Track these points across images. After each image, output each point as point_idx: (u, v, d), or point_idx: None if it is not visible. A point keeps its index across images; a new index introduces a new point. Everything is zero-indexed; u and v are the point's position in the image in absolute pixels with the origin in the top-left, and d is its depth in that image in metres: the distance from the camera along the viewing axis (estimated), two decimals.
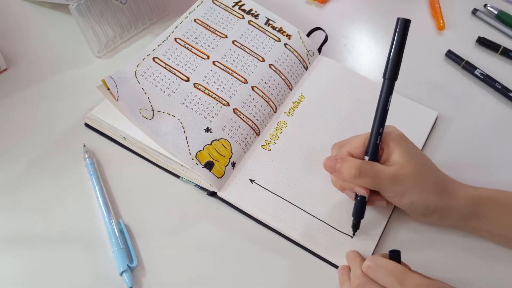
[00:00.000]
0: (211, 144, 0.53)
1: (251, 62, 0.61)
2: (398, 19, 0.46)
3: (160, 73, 0.57)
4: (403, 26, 0.45)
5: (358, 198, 0.48)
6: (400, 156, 0.47)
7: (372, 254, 0.50)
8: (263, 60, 0.61)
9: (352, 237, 0.50)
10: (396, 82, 0.64)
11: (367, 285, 0.43)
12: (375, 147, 0.47)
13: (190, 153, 0.52)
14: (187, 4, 0.65)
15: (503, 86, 0.65)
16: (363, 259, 0.47)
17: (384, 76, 0.47)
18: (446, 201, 0.48)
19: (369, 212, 0.52)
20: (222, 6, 0.65)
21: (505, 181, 0.57)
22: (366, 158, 0.48)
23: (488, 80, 0.66)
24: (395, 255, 0.45)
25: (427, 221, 0.51)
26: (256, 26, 0.65)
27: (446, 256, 0.51)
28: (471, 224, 0.49)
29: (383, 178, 0.46)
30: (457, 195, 0.48)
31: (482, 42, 0.71)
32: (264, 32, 0.64)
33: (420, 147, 0.58)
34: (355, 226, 0.49)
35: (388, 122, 0.60)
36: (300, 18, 0.70)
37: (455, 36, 0.73)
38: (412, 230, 0.52)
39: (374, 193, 0.48)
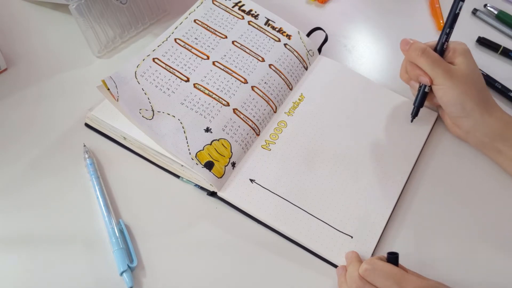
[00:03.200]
0: (211, 144, 0.53)
1: (251, 62, 0.61)
2: None
3: (160, 74, 0.57)
4: None
5: (421, 87, 0.57)
6: (461, 61, 0.55)
7: (372, 254, 0.50)
8: (263, 60, 0.61)
9: (352, 237, 0.50)
10: (396, 82, 0.64)
11: None
12: (442, 44, 0.56)
13: (190, 153, 0.52)
14: (187, 4, 0.65)
15: (503, 86, 0.65)
16: (361, 261, 0.47)
17: None
18: (481, 112, 0.54)
19: (369, 212, 0.52)
20: (222, 6, 0.65)
21: (505, 181, 0.57)
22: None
23: (488, 80, 0.66)
24: (393, 257, 0.45)
25: (460, 132, 0.57)
26: (256, 26, 0.65)
27: (445, 257, 0.51)
28: (496, 145, 0.54)
29: (440, 67, 0.54)
30: (492, 112, 0.54)
31: (482, 42, 0.71)
32: (264, 32, 0.64)
33: (420, 146, 0.58)
34: (415, 114, 0.58)
35: (387, 122, 0.60)
36: (300, 18, 0.70)
37: (455, 36, 0.72)
38: (412, 230, 0.52)
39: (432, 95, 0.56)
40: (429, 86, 0.56)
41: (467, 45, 0.57)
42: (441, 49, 0.56)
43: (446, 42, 0.56)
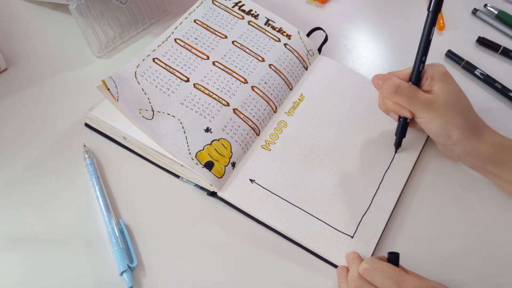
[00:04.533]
0: (211, 144, 0.53)
1: (251, 62, 0.61)
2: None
3: (160, 74, 0.57)
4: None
5: (401, 119, 0.54)
6: (440, 88, 0.51)
7: (372, 254, 0.50)
8: (263, 60, 0.61)
9: (352, 237, 0.50)
10: None
11: None
12: (418, 74, 0.53)
13: (190, 153, 0.52)
14: (187, 4, 0.65)
15: (503, 86, 0.65)
16: (361, 260, 0.47)
17: (428, 9, 0.52)
18: (471, 139, 0.51)
19: (369, 212, 0.52)
20: (222, 6, 0.65)
21: None
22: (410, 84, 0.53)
23: (488, 80, 0.66)
24: (393, 257, 0.45)
25: (452, 156, 0.54)
26: (256, 26, 0.65)
27: (445, 257, 0.51)
28: (489, 168, 0.52)
29: (417, 101, 0.51)
30: (483, 138, 0.51)
31: (482, 42, 0.71)
32: (264, 32, 0.64)
33: (420, 146, 0.58)
34: (398, 145, 0.56)
35: (387, 122, 0.60)
36: (300, 18, 0.70)
37: (455, 36, 0.72)
38: (412, 230, 0.52)
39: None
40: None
41: (444, 67, 0.54)
42: (417, 78, 0.53)
43: (421, 71, 0.53)
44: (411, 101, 0.51)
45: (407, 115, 0.52)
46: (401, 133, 0.55)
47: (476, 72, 0.67)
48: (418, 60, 0.53)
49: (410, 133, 0.58)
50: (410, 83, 0.53)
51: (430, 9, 0.52)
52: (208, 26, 0.63)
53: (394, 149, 0.57)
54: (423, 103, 0.51)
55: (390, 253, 0.45)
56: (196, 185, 0.53)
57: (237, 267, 0.48)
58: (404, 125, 0.55)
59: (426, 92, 0.52)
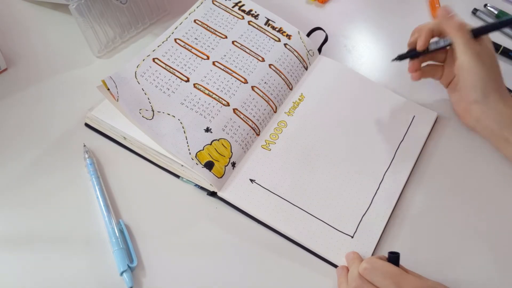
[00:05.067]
0: (211, 144, 0.53)
1: (251, 62, 0.61)
2: None
3: (160, 74, 0.57)
4: None
5: (415, 51, 0.59)
6: (487, 43, 0.56)
7: (372, 254, 0.50)
8: (263, 60, 0.61)
9: (352, 237, 0.50)
10: (397, 82, 0.64)
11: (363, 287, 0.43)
12: (487, 29, 0.55)
13: (190, 153, 0.52)
14: (187, 4, 0.65)
15: None
16: (361, 260, 0.47)
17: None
18: (496, 99, 0.54)
19: (369, 212, 0.52)
20: (222, 6, 0.65)
21: (505, 180, 0.57)
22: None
23: None
24: (394, 257, 0.44)
25: (469, 120, 0.57)
26: (256, 26, 0.65)
27: (445, 257, 0.51)
28: (505, 133, 0.54)
29: (472, 47, 0.54)
30: (506, 100, 0.54)
31: None
32: (264, 32, 0.64)
33: (420, 147, 0.58)
34: (403, 57, 0.60)
35: (387, 122, 0.60)
36: (300, 18, 0.70)
37: None
38: (412, 230, 0.52)
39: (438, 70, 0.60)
40: (447, 45, 0.57)
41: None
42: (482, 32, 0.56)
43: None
44: (468, 45, 0.54)
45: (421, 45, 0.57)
46: (408, 55, 0.60)
47: None
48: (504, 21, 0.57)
49: (408, 137, 0.57)
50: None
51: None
52: (208, 26, 0.63)
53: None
54: (476, 51, 0.54)
55: (391, 253, 0.45)
56: (196, 185, 0.53)
57: (237, 267, 0.48)
58: (414, 55, 0.59)
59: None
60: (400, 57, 0.60)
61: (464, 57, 0.54)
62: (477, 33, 0.55)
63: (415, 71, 0.60)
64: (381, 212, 0.52)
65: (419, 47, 0.58)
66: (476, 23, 0.74)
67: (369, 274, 0.43)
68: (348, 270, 0.47)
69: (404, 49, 0.64)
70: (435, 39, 0.58)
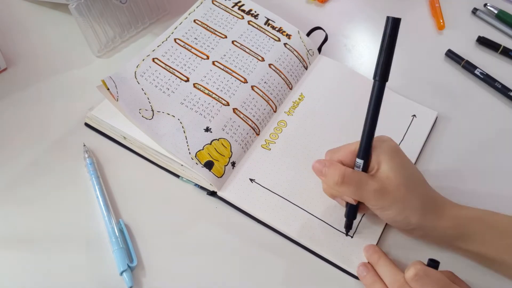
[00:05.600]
0: (210, 143, 0.53)
1: (250, 62, 0.61)
2: (388, 18, 0.43)
3: (159, 74, 0.57)
4: (393, 25, 0.43)
5: (348, 205, 0.49)
6: (389, 169, 0.45)
7: None
8: (263, 60, 0.61)
9: (352, 237, 0.50)
10: (397, 81, 0.64)
11: None
12: (367, 149, 0.46)
13: (190, 153, 0.52)
14: (187, 4, 0.65)
15: (503, 86, 0.65)
16: (387, 257, 0.47)
17: (374, 78, 0.45)
18: (431, 221, 0.46)
19: (369, 212, 0.52)
20: (222, 6, 0.65)
21: (505, 181, 0.57)
22: (358, 160, 0.46)
23: (488, 80, 0.66)
24: (434, 265, 0.43)
25: (411, 236, 0.50)
26: (256, 26, 0.65)
27: (445, 256, 0.50)
28: (456, 244, 0.48)
29: (367, 190, 0.45)
30: (443, 215, 0.47)
31: (482, 41, 0.71)
32: (263, 32, 0.64)
33: (420, 146, 0.58)
34: (348, 227, 0.50)
35: (387, 122, 0.60)
36: (300, 18, 0.70)
37: (455, 36, 0.73)
38: None
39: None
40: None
41: (392, 140, 0.48)
42: (366, 155, 0.46)
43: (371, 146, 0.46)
44: (360, 191, 0.45)
45: (352, 201, 0.47)
46: (350, 215, 0.49)
47: (476, 72, 0.67)
48: (367, 135, 0.46)
49: (407, 137, 0.57)
50: (358, 160, 0.46)
51: (377, 78, 0.44)
52: (208, 26, 0.63)
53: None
54: (374, 192, 0.45)
55: (431, 260, 0.44)
56: (196, 184, 0.53)
57: (237, 267, 0.48)
58: (352, 209, 0.49)
59: (372, 173, 0.46)
60: (350, 225, 0.50)
61: (367, 202, 0.46)
62: (364, 154, 0.46)
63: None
64: None
65: (355, 201, 0.47)
66: (476, 23, 0.75)
67: (419, 281, 0.41)
68: (373, 267, 0.47)
69: (405, 48, 0.64)
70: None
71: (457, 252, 0.50)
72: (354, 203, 0.47)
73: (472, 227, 0.47)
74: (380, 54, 0.44)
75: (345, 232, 0.50)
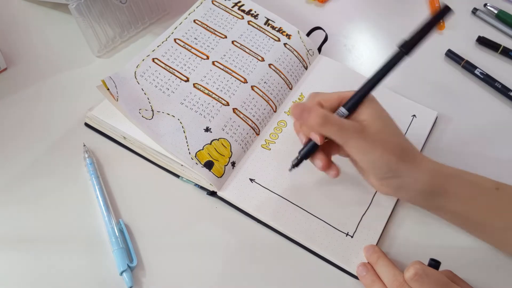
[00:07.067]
0: (210, 143, 0.53)
1: (250, 62, 0.61)
2: (442, 3, 0.45)
3: (159, 74, 0.57)
4: (443, 11, 0.45)
5: (310, 143, 0.48)
6: (367, 114, 0.46)
7: None
8: (263, 60, 0.61)
9: (352, 237, 0.50)
10: (396, 82, 0.64)
11: None
12: (357, 103, 0.47)
13: (189, 153, 0.52)
14: (187, 4, 0.65)
15: (503, 86, 0.65)
16: (386, 257, 0.47)
17: (400, 46, 0.46)
18: (408, 168, 0.46)
19: (369, 212, 0.52)
20: (222, 6, 0.65)
21: (505, 180, 0.57)
22: (342, 109, 0.47)
23: (488, 80, 0.66)
24: (435, 265, 0.43)
25: (389, 191, 0.48)
26: (256, 26, 0.65)
27: (445, 256, 0.50)
28: (432, 201, 0.47)
29: (348, 130, 0.45)
30: (420, 165, 0.46)
31: (482, 41, 0.71)
32: (263, 32, 0.64)
33: (420, 146, 0.58)
34: (296, 165, 0.49)
35: None
36: (300, 18, 0.70)
37: (455, 36, 0.73)
38: (412, 230, 0.52)
39: (331, 145, 0.48)
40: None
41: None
42: (355, 106, 0.47)
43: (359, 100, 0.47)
44: (341, 132, 0.45)
45: (318, 140, 0.46)
46: (304, 155, 0.49)
47: (476, 72, 0.67)
48: (365, 90, 0.47)
49: (407, 137, 0.58)
50: (342, 108, 0.47)
51: (404, 48, 0.45)
52: (207, 26, 0.63)
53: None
54: (356, 132, 0.45)
55: (432, 260, 0.44)
56: (196, 184, 0.53)
57: (237, 267, 0.48)
58: (311, 149, 0.48)
59: (351, 118, 0.47)
60: (298, 164, 0.50)
61: (347, 143, 0.45)
62: (351, 108, 0.47)
63: (329, 167, 0.48)
64: (381, 211, 0.52)
65: (320, 141, 0.47)
66: (476, 23, 0.75)
67: (419, 280, 0.41)
68: (372, 267, 0.47)
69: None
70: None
71: (434, 212, 0.49)
72: (320, 142, 0.46)
73: (451, 184, 0.46)
74: (418, 29, 0.45)
75: (290, 166, 0.50)
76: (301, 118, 0.46)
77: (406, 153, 0.46)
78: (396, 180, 0.46)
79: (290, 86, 0.61)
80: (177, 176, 0.53)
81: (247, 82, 0.59)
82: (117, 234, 0.47)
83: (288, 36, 0.64)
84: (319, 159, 0.48)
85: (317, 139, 0.46)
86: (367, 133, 0.45)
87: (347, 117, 0.47)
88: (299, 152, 0.49)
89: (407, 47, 0.45)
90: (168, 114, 0.54)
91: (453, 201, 0.47)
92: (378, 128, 0.45)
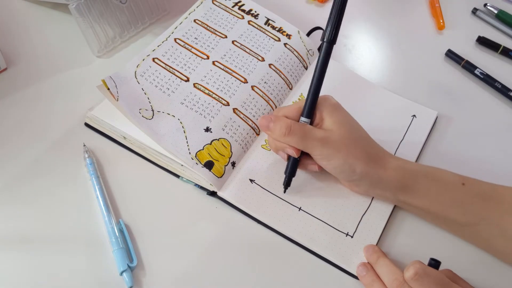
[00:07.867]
0: (211, 143, 0.53)
1: (251, 62, 0.61)
2: None
3: (160, 74, 0.57)
4: None
5: (290, 159, 0.50)
6: (332, 122, 0.48)
7: None
8: (263, 60, 0.61)
9: (352, 237, 0.50)
10: (396, 82, 0.64)
11: None
12: (311, 108, 0.49)
13: (190, 153, 0.52)
14: (187, 4, 0.65)
15: (503, 86, 0.65)
16: (386, 256, 0.47)
17: (322, 39, 0.49)
18: (375, 170, 0.48)
19: (369, 212, 0.52)
20: (222, 6, 0.65)
21: (505, 180, 0.57)
22: (303, 118, 0.49)
23: (488, 80, 0.66)
24: (435, 264, 0.43)
25: (359, 190, 0.51)
26: (256, 26, 0.65)
27: (445, 256, 0.50)
28: (400, 197, 0.49)
29: (312, 139, 0.47)
30: (387, 165, 0.49)
31: (482, 41, 0.71)
32: (264, 32, 0.64)
33: (420, 146, 0.58)
34: (287, 184, 0.51)
35: (387, 122, 0.60)
36: (300, 18, 0.70)
37: (455, 36, 0.73)
38: (412, 230, 0.52)
39: (306, 157, 0.50)
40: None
41: (333, 98, 0.50)
42: (310, 113, 0.49)
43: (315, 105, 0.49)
44: (305, 141, 0.48)
45: (293, 154, 0.49)
46: (290, 173, 0.51)
47: (476, 72, 0.67)
48: (312, 93, 0.49)
49: (407, 137, 0.58)
50: (303, 118, 0.49)
51: (325, 39, 0.48)
52: (208, 26, 0.63)
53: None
54: (318, 140, 0.47)
55: (432, 260, 0.44)
56: (196, 184, 0.53)
57: (237, 267, 0.48)
58: (293, 164, 0.50)
59: (317, 127, 0.49)
60: (289, 183, 0.51)
61: (312, 151, 0.48)
62: (309, 113, 0.49)
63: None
64: (381, 211, 0.52)
65: (296, 154, 0.49)
66: (476, 23, 0.75)
67: (419, 280, 0.41)
68: (372, 267, 0.47)
69: (405, 48, 0.64)
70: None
71: (403, 207, 0.51)
72: (296, 155, 0.49)
73: (417, 180, 0.48)
74: (330, 17, 0.49)
75: (283, 189, 0.52)
76: (268, 129, 0.49)
77: (370, 156, 0.48)
78: (363, 181, 0.49)
79: (290, 86, 0.61)
80: (177, 176, 0.53)
81: (247, 82, 0.59)
82: (117, 234, 0.47)
83: (288, 36, 0.64)
84: (310, 164, 0.51)
85: (292, 153, 0.49)
86: (330, 140, 0.47)
87: (312, 124, 0.49)
88: (285, 173, 0.51)
89: (329, 38, 0.49)
90: (169, 114, 0.54)
91: (418, 197, 0.49)
92: (342, 134, 0.48)
